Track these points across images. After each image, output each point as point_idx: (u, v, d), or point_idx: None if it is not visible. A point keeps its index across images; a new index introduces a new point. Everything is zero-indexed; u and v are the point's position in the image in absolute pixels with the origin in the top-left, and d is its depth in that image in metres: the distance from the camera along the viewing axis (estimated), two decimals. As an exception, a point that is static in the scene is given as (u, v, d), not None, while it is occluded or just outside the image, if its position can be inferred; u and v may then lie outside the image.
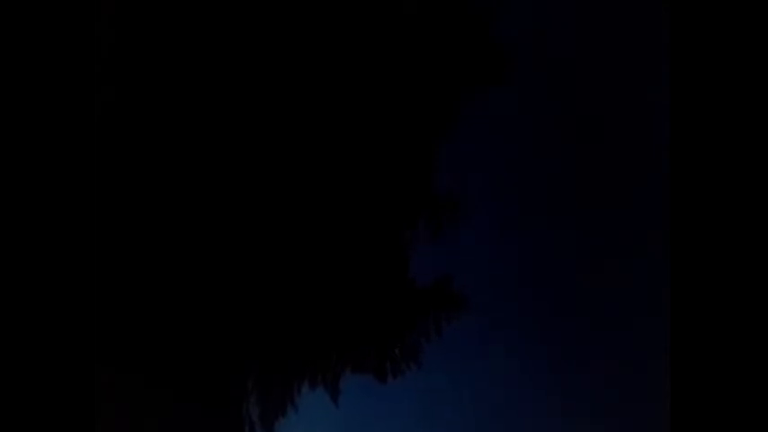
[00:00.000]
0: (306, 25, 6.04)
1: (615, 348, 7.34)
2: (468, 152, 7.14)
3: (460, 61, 6.55)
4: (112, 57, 5.65)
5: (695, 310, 3.48)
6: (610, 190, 7.60)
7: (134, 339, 5.85)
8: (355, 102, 6.19)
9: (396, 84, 6.32)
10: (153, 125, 5.90)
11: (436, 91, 6.55)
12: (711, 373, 3.41)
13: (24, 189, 3.56)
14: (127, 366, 5.79)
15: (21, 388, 3.36)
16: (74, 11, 3.77)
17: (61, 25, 3.74)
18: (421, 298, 6.69)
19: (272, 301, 6.23)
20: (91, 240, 3.63)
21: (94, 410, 3.46)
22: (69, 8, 3.76)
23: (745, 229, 3.45)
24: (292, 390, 6.57)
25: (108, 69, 5.60)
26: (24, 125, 3.63)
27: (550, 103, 7.62)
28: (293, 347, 6.46)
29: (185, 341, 6.05)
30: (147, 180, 5.87)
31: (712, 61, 3.61)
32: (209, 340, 6.12)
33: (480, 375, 7.55)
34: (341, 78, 6.12)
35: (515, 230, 7.78)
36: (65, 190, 3.63)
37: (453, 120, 6.68)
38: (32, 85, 3.67)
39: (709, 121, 3.58)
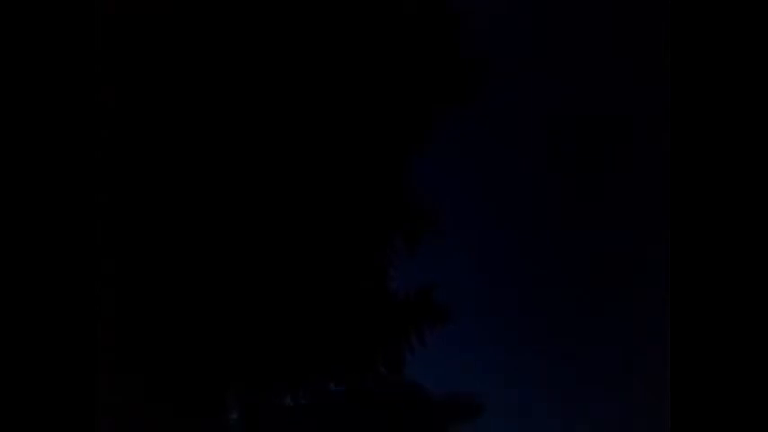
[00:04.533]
0: (301, 28, 6.05)
1: (606, 355, 7.35)
2: (449, 159, 7.12)
3: (435, 69, 6.53)
4: (112, 57, 5.65)
5: (695, 314, 3.48)
6: (598, 193, 7.59)
7: (118, 352, 5.87)
8: (330, 109, 6.19)
9: (371, 91, 6.31)
10: (153, 125, 5.90)
11: (411, 98, 6.52)
12: (711, 379, 3.40)
13: (24, 190, 3.56)
14: (112, 381, 5.80)
15: (21, 393, 3.36)
16: (74, 11, 3.77)
17: (61, 25, 3.74)
18: (403, 310, 6.65)
19: (252, 316, 6.22)
20: (92, 244, 3.63)
21: (95, 417, 3.46)
22: (69, 8, 3.76)
23: (745, 230, 3.45)
24: (275, 404, 6.55)
25: (108, 69, 5.60)
26: (24, 125, 3.62)
27: (535, 106, 7.61)
28: (275, 362, 6.44)
29: (168, 357, 6.05)
30: (146, 182, 5.88)
31: (712, 61, 3.60)
32: (191, 355, 6.12)
33: (465, 387, 7.54)
34: (318, 86, 6.12)
35: (500, 238, 7.77)
36: (65, 192, 3.62)
37: (431, 126, 6.64)
38: (32, 85, 3.67)
39: (709, 121, 3.57)
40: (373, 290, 6.59)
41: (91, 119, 3.79)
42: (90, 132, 3.76)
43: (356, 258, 6.49)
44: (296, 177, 6.17)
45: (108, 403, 5.65)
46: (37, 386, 3.38)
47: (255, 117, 6.08)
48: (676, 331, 3.50)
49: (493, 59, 6.69)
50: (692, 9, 3.63)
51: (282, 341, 6.36)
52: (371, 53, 6.27)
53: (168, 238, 5.99)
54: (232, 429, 6.47)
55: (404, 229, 6.63)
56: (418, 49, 6.45)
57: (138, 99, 5.86)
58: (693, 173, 3.55)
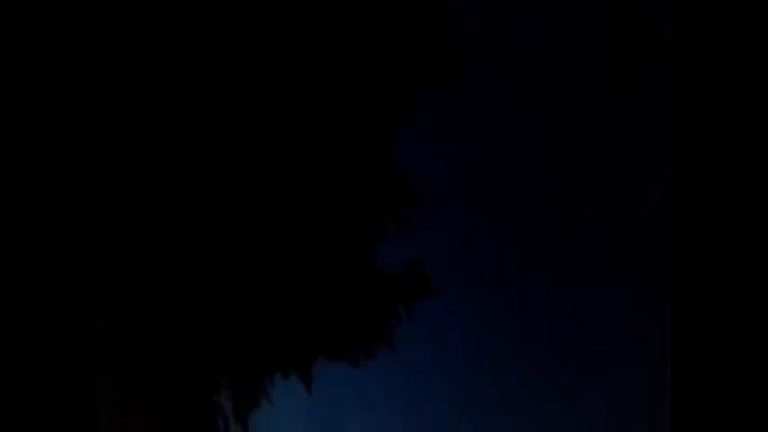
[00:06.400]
0: (295, 19, 6.09)
1: (595, 345, 7.38)
2: (437, 139, 7.15)
3: (420, 50, 6.54)
4: (112, 57, 5.66)
5: (695, 313, 3.48)
6: (588, 174, 7.59)
7: (118, 352, 5.90)
8: (316, 94, 6.21)
9: (357, 77, 6.33)
10: (153, 125, 5.92)
11: (396, 80, 6.54)
12: (711, 379, 3.41)
13: (24, 189, 3.56)
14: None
15: (22, 393, 3.36)
16: (74, 11, 3.77)
17: (61, 25, 3.74)
18: (391, 283, 6.72)
19: (242, 293, 6.25)
20: (92, 244, 3.63)
21: (95, 417, 3.47)
22: (69, 8, 3.76)
23: (745, 229, 3.45)
24: (265, 381, 6.58)
25: (108, 69, 5.62)
26: (25, 125, 3.63)
27: (525, 87, 7.60)
28: (264, 337, 6.48)
29: (158, 339, 6.08)
30: (146, 182, 5.90)
31: (712, 61, 3.61)
32: (181, 336, 6.14)
33: (451, 360, 7.57)
34: (305, 76, 6.15)
35: (487, 216, 7.79)
36: (65, 190, 3.63)
37: (413, 107, 6.67)
38: (33, 85, 3.67)
39: (709, 122, 3.58)
40: (362, 264, 6.65)
41: (91, 119, 3.79)
42: (90, 132, 3.76)
43: (346, 234, 6.54)
44: (288, 167, 6.22)
45: (108, 403, 5.66)
46: (37, 386, 3.39)
47: (252, 115, 6.11)
48: (676, 331, 3.50)
49: (486, 53, 6.74)
50: (692, 9, 3.63)
51: (272, 315, 6.39)
52: (358, 38, 6.29)
53: (167, 237, 6.01)
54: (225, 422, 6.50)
55: (389, 204, 6.68)
56: (405, 33, 6.48)
57: (137, 99, 5.87)
58: (693, 173, 3.56)
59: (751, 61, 3.53)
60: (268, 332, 6.45)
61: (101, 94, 5.45)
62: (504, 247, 7.79)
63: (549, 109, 7.63)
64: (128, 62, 5.80)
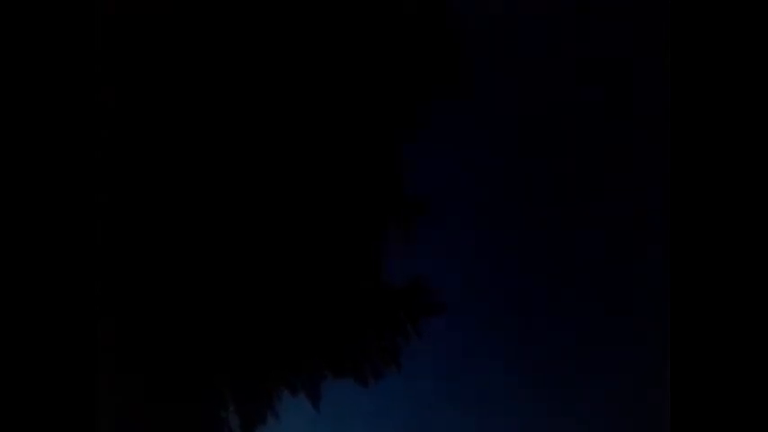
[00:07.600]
0: (297, 23, 6.08)
1: (596, 345, 7.38)
2: (441, 151, 7.16)
3: (423, 60, 6.52)
4: (112, 57, 5.66)
5: (695, 313, 3.48)
6: (589, 185, 7.60)
7: (118, 352, 5.89)
8: (315, 94, 6.19)
9: (362, 86, 6.32)
10: (153, 125, 5.91)
11: (400, 90, 6.53)
12: (711, 379, 3.40)
13: (24, 189, 3.56)
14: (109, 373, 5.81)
15: (22, 393, 3.36)
16: (74, 11, 3.77)
17: (61, 25, 3.74)
18: (398, 299, 6.66)
19: (247, 309, 6.22)
20: (92, 244, 3.63)
21: (95, 417, 3.47)
22: (69, 8, 3.76)
23: (745, 229, 3.45)
24: (272, 397, 6.53)
25: (108, 69, 5.61)
26: (24, 125, 3.63)
27: (526, 98, 7.61)
28: (271, 354, 6.44)
29: (158, 339, 6.06)
30: (145, 182, 5.90)
31: (712, 60, 3.60)
32: (180, 336, 6.12)
33: (461, 376, 7.58)
34: (313, 81, 6.14)
35: (491, 229, 7.80)
36: (65, 191, 3.63)
37: (419, 118, 6.64)
38: (32, 85, 3.67)
39: (709, 120, 3.57)
40: (369, 279, 6.61)
41: (91, 119, 3.79)
42: (90, 132, 3.76)
43: (352, 248, 6.50)
44: (293, 173, 6.20)
45: (108, 403, 5.66)
46: (37, 386, 3.39)
47: (252, 116, 6.10)
48: (676, 331, 3.50)
49: (486, 54, 6.73)
50: (693, 8, 3.63)
51: (278, 332, 6.36)
52: (357, 39, 6.27)
53: (168, 237, 6.00)
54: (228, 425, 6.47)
55: (398, 217, 6.63)
56: (410, 42, 6.47)
57: (137, 99, 5.86)
58: (693, 173, 3.56)
59: (751, 61, 3.53)
60: (270, 336, 6.42)
61: (101, 94, 5.45)
62: (505, 247, 7.80)
63: (549, 109, 7.63)
64: (128, 62, 5.79)
